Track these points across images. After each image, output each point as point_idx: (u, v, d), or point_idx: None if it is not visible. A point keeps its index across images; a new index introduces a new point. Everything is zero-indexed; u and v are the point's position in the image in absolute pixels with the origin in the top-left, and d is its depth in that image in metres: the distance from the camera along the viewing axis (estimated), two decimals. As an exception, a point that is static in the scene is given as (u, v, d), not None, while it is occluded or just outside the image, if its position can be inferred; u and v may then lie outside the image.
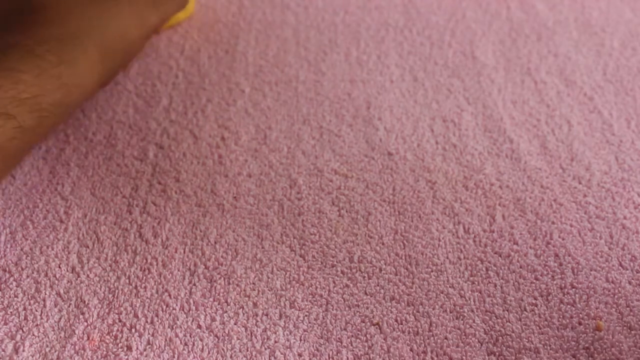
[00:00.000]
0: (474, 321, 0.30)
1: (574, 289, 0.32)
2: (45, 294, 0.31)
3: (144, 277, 0.32)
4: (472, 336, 0.30)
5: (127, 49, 0.38)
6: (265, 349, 0.29)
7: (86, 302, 0.31)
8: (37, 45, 0.33)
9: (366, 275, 0.32)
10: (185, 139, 0.39)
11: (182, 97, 0.42)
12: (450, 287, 0.32)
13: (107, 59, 0.36)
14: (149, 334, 0.30)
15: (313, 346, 0.29)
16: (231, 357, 0.29)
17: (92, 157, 0.38)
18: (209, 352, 0.29)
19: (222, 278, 0.32)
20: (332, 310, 0.31)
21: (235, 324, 0.30)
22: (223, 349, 0.29)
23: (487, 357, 0.29)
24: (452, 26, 0.49)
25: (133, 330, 0.30)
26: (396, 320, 0.30)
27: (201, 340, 0.30)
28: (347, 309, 0.31)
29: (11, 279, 0.32)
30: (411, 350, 0.29)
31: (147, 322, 0.30)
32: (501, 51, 0.46)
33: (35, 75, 0.32)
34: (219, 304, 0.31)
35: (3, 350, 0.29)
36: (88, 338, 0.30)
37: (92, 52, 0.35)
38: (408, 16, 0.50)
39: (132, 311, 0.31)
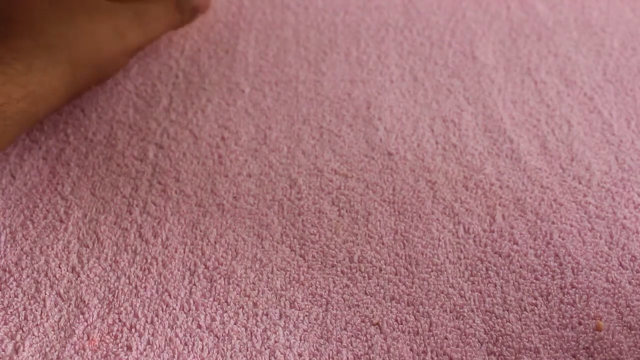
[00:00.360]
0: (474, 321, 0.30)
1: (574, 289, 0.32)
2: (45, 294, 0.31)
3: (144, 277, 0.32)
4: (472, 336, 0.30)
5: (101, 64, 0.38)
6: (265, 349, 0.29)
7: (86, 302, 0.31)
8: (7, 53, 0.33)
9: (366, 275, 0.32)
10: (185, 139, 0.39)
11: (182, 97, 0.42)
12: (450, 287, 0.32)
13: (77, 72, 0.37)
14: (149, 334, 0.30)
15: (313, 346, 0.29)
16: (231, 357, 0.29)
17: (92, 157, 0.38)
18: (209, 352, 0.29)
19: (222, 278, 0.32)
20: (332, 310, 0.31)
21: (235, 324, 0.30)
22: (223, 349, 0.29)
23: (487, 357, 0.29)
24: (452, 26, 0.49)
25: (133, 330, 0.30)
26: (396, 320, 0.30)
27: (201, 340, 0.30)
28: (347, 309, 0.31)
29: (11, 279, 0.32)
30: (411, 350, 0.29)
31: (147, 322, 0.30)
32: (501, 51, 0.46)
33: (1, 83, 0.32)
34: (219, 304, 0.31)
35: (3, 350, 0.29)
36: (88, 338, 0.30)
37: (62, 64, 0.35)
38: (408, 16, 0.50)
39: (132, 311, 0.31)
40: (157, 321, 0.30)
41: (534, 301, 0.31)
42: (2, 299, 0.31)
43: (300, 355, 0.29)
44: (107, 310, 0.31)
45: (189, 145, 0.39)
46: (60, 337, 0.30)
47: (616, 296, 0.31)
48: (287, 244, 0.34)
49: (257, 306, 0.31)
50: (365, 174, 0.37)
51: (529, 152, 0.39)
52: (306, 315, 0.31)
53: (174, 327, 0.30)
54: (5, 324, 0.30)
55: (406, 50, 0.46)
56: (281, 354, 0.29)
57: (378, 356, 0.29)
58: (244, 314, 0.31)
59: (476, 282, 0.32)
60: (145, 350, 0.29)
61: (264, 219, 0.35)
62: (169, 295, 0.31)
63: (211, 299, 0.31)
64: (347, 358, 0.29)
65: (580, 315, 0.31)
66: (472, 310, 0.31)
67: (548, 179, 0.37)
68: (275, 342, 0.30)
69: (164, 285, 0.32)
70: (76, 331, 0.30)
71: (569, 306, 0.31)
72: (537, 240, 0.34)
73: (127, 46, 0.40)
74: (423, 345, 0.30)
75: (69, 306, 0.31)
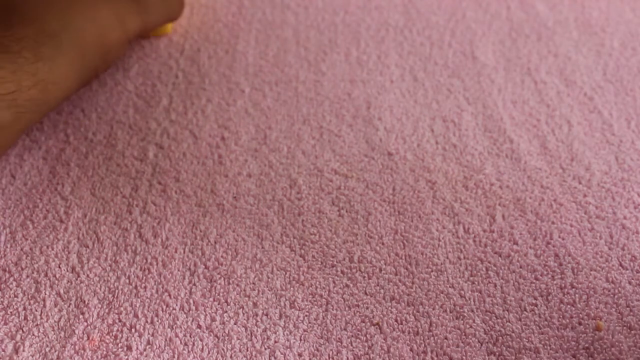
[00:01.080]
0: (474, 321, 0.30)
1: (574, 289, 0.32)
2: (45, 294, 0.31)
3: (144, 277, 0.32)
4: (472, 336, 0.30)
5: (105, 50, 0.39)
6: (265, 349, 0.29)
7: (86, 302, 0.31)
8: (14, 42, 0.34)
9: (366, 275, 0.32)
10: (185, 139, 0.39)
11: (182, 97, 0.42)
12: (450, 287, 0.32)
13: (84, 58, 0.37)
14: (149, 334, 0.30)
15: (313, 346, 0.29)
16: (231, 357, 0.29)
17: (92, 157, 0.38)
18: (209, 352, 0.29)
19: (222, 278, 0.32)
20: (332, 310, 0.31)
21: (235, 324, 0.30)
22: (223, 349, 0.29)
23: (487, 357, 0.29)
24: (452, 26, 0.49)
25: (133, 330, 0.30)
26: (396, 320, 0.30)
27: (201, 340, 0.30)
28: (347, 309, 0.31)
29: (11, 279, 0.32)
30: (411, 350, 0.29)
31: (147, 322, 0.30)
32: (501, 51, 0.46)
33: (11, 71, 0.32)
34: (219, 304, 0.31)
35: (3, 350, 0.29)
36: (88, 338, 0.30)
37: (69, 51, 0.36)
38: (408, 16, 0.50)
39: (132, 311, 0.31)
40: (157, 321, 0.30)
41: (534, 301, 0.31)
42: (2, 299, 0.31)
43: (300, 355, 0.29)
44: (107, 310, 0.31)
45: (189, 145, 0.39)
46: (60, 337, 0.30)
47: (616, 296, 0.31)
48: (287, 244, 0.34)
49: (257, 306, 0.31)
50: (365, 174, 0.37)
51: (529, 152, 0.39)
52: (306, 315, 0.31)
53: (174, 327, 0.30)
54: (5, 324, 0.30)
55: (406, 50, 0.46)
56: (281, 354, 0.29)
57: (378, 356, 0.29)
58: (244, 314, 0.31)
59: (476, 282, 0.32)
60: (145, 350, 0.29)
61: (264, 219, 0.35)
62: (169, 295, 0.31)
63: (211, 299, 0.31)
64: (347, 358, 0.29)
65: (580, 315, 0.31)
66: (472, 310, 0.31)
67: (548, 179, 0.37)
68: (275, 342, 0.30)
69: (164, 285, 0.32)
70: (76, 331, 0.30)
71: (569, 306, 0.31)
72: (537, 240, 0.34)
73: (127, 32, 0.40)
74: (423, 345, 0.30)
75: (69, 306, 0.31)
